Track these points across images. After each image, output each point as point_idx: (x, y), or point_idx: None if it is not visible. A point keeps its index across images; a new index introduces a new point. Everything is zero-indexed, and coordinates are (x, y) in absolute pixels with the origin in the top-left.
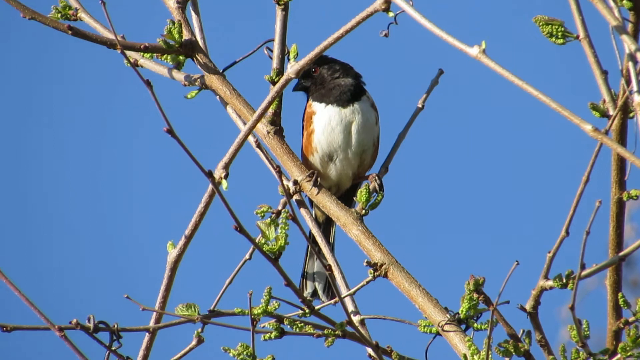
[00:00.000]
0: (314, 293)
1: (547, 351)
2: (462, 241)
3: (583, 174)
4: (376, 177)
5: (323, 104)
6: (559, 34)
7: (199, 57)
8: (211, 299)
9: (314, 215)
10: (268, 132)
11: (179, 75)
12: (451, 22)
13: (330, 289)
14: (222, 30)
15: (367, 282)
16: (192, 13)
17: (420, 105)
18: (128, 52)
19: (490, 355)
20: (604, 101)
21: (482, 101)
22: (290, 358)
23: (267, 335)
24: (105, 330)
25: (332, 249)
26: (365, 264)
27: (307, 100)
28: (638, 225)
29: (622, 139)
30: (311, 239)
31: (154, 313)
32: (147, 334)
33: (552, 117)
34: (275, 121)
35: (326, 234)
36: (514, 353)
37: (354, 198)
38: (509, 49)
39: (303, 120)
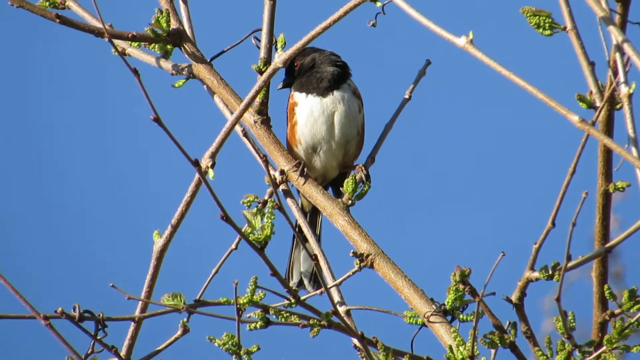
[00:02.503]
0: (300, 283)
1: (532, 343)
2: (449, 232)
3: (570, 165)
4: (363, 168)
5: (304, 94)
6: (547, 25)
7: (186, 47)
8: (197, 288)
9: (300, 205)
10: (255, 122)
11: (167, 65)
12: (439, 12)
13: (317, 279)
14: (210, 19)
15: (353, 273)
16: (180, 2)
17: (407, 96)
18: (116, 41)
19: (475, 347)
20: (591, 92)
21: (469, 92)
22: (276, 348)
23: (253, 325)
24: (90, 320)
25: (318, 239)
26: (351, 254)
27: (290, 91)
28: (623, 216)
29: (609, 131)
30: (297, 229)
31: (140, 302)
32: (132, 323)
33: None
34: (262, 111)
35: (313, 224)
36: (499, 344)
37: (341, 188)
38: (496, 40)
39: (287, 111)
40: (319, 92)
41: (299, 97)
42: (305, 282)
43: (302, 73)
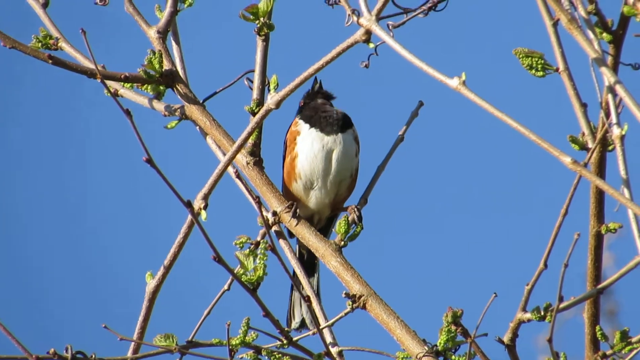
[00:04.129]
0: (302, 324)
1: None
2: (442, 272)
3: (562, 206)
4: (355, 209)
5: (308, 126)
6: (539, 66)
7: (179, 87)
8: (189, 329)
9: (297, 249)
10: (247, 163)
11: (159, 106)
12: (432, 53)
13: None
14: (203, 60)
15: (346, 314)
16: (173, 43)
17: (400, 137)
18: (108, 82)
19: None
20: (584, 134)
21: (462, 132)
22: None
23: None
24: None
25: (317, 283)
26: (343, 295)
27: (294, 118)
28: (616, 254)
29: (601, 172)
30: (293, 271)
31: (132, 343)
32: None
33: (531, 149)
34: (255, 152)
35: (311, 265)
36: None
37: (333, 229)
38: (489, 81)
39: (286, 142)
40: (325, 130)
41: (303, 127)
42: (307, 321)
43: (314, 107)
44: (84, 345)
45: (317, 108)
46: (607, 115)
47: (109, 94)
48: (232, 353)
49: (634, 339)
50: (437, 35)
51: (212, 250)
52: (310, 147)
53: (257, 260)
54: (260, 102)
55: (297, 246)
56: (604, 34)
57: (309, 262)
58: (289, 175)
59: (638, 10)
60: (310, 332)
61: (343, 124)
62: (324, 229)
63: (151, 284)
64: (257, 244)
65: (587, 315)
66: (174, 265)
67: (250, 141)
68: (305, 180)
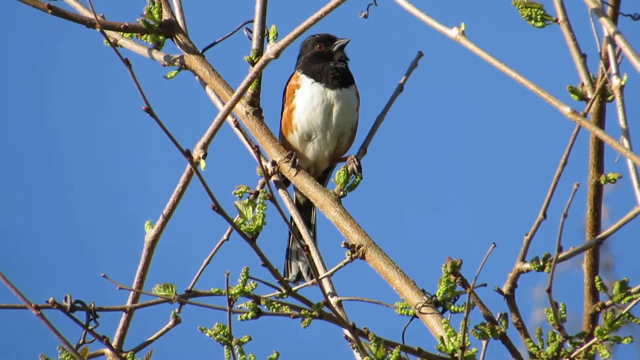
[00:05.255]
0: (299, 275)
1: (523, 334)
2: (440, 223)
3: (561, 156)
4: (355, 159)
5: (311, 80)
6: (538, 17)
7: (178, 38)
8: (189, 279)
9: (294, 198)
10: (247, 113)
11: (159, 55)
12: (431, 4)
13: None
14: (202, 10)
15: (345, 264)
16: None
17: (399, 87)
18: (108, 32)
19: (466, 338)
20: (583, 84)
21: (461, 83)
22: (267, 338)
23: (244, 315)
24: (82, 310)
25: (314, 231)
26: (342, 245)
27: (294, 71)
28: (613, 207)
29: (600, 122)
30: (292, 222)
31: (131, 293)
32: (124, 313)
33: (531, 100)
34: (254, 102)
35: (307, 216)
36: (490, 335)
37: (332, 179)
38: (488, 32)
39: (284, 93)
40: (327, 84)
41: (304, 81)
42: (304, 273)
43: (317, 57)
44: (83, 294)
45: (324, 62)
46: (607, 65)
47: (108, 44)
48: (231, 302)
49: (633, 289)
50: None
51: (211, 199)
52: (309, 101)
53: (256, 210)
54: (260, 52)
55: (295, 196)
56: None
57: (306, 212)
58: (285, 126)
59: None
60: (310, 282)
61: (346, 80)
62: (320, 180)
63: (150, 233)
64: (256, 193)
65: (586, 266)
66: (173, 214)
67: (250, 91)
68: (301, 132)
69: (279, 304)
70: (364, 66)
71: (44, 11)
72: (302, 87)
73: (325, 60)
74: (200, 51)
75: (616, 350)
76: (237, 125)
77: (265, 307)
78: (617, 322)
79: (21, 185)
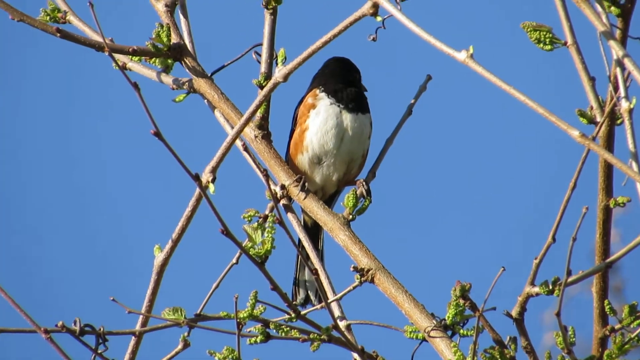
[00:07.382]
0: (307, 299)
1: (532, 358)
2: (449, 247)
3: (570, 180)
4: (363, 183)
5: (330, 100)
6: (547, 40)
7: (187, 61)
8: (198, 302)
9: (302, 220)
10: (256, 137)
11: (167, 79)
12: (440, 26)
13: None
14: (211, 34)
15: (354, 288)
16: (181, 16)
17: (408, 111)
18: (116, 55)
19: None
20: (592, 107)
21: (470, 106)
22: None
23: (253, 339)
24: (91, 333)
25: (321, 254)
26: (352, 269)
27: (311, 89)
28: (623, 231)
29: (609, 146)
30: (300, 245)
31: (141, 316)
32: (133, 337)
33: (539, 123)
34: (263, 125)
35: (315, 239)
36: (499, 359)
37: (341, 203)
38: (497, 54)
39: (296, 112)
40: (345, 107)
41: (323, 100)
42: (312, 297)
43: (339, 79)
44: (93, 318)
45: (347, 85)
46: (616, 88)
47: (117, 67)
48: (240, 326)
49: None
50: (445, 8)
51: (220, 223)
52: (323, 123)
53: (265, 234)
54: (268, 76)
55: (302, 219)
56: (613, 8)
57: (313, 235)
58: (295, 146)
59: None
60: (319, 306)
61: (363, 106)
62: (327, 203)
63: (159, 257)
64: (265, 217)
65: (595, 290)
66: (182, 238)
67: (258, 114)
68: (312, 155)
69: (288, 328)
70: (373, 89)
71: (53, 35)
72: (319, 107)
73: (349, 85)
74: (209, 74)
75: None
76: (246, 149)
77: (274, 330)
78: (626, 346)
79: (30, 208)
